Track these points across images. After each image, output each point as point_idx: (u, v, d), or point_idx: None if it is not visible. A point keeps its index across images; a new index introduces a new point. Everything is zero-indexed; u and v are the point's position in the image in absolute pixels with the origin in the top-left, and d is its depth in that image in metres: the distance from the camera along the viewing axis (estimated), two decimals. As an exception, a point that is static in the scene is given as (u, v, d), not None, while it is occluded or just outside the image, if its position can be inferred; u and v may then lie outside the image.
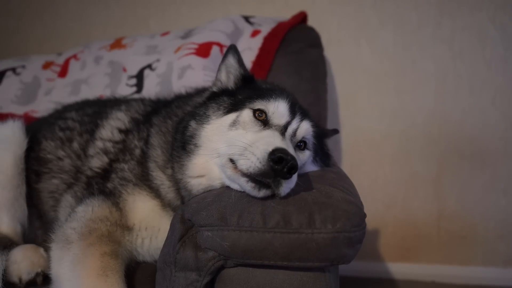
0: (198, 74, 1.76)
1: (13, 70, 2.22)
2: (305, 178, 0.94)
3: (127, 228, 1.04)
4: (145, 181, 1.11)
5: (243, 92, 1.07)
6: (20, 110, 2.09)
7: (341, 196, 0.87)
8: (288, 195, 0.85)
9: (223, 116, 1.01)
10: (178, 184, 1.04)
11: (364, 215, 0.85)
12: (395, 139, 2.33)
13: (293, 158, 0.80)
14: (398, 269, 2.39)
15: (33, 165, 1.30)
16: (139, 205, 1.07)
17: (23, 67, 2.24)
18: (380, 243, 2.41)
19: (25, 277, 1.00)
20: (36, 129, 1.39)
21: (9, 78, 2.18)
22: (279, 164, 0.80)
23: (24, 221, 1.25)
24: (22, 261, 1.02)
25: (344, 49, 2.36)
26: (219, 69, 1.16)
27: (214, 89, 1.15)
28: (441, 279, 2.32)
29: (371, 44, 2.34)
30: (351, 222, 0.80)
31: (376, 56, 2.34)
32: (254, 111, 0.99)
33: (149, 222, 1.06)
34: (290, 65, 1.95)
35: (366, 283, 2.31)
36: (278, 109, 0.99)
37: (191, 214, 0.89)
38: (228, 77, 1.14)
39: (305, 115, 1.04)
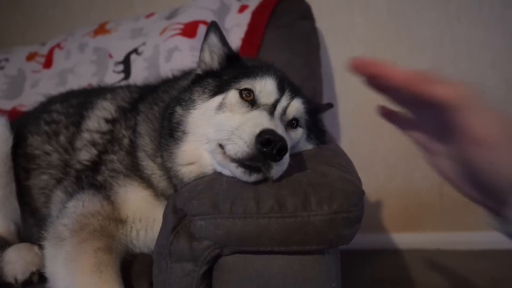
0: (185, 56, 1.70)
1: (-4, 64, 2.15)
2: (299, 158, 0.90)
3: (120, 221, 1.01)
4: (135, 171, 1.08)
5: (228, 72, 1.02)
6: (7, 105, 2.04)
7: (337, 174, 0.84)
8: (281, 178, 0.82)
9: (209, 100, 0.97)
10: (169, 173, 1.01)
11: (362, 193, 0.81)
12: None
13: (281, 138, 0.76)
14: (402, 239, 2.39)
15: (21, 162, 1.26)
16: (131, 196, 1.04)
17: (7, 60, 2.18)
18: (383, 215, 2.40)
19: (21, 277, 0.99)
20: (21, 125, 1.35)
21: (-7, 72, 2.12)
22: (267, 146, 0.76)
23: (17, 219, 1.22)
24: (17, 261, 1.01)
25: (337, 19, 2.27)
26: (201, 49, 1.10)
27: (199, 71, 1.09)
28: (445, 246, 2.32)
29: (365, 12, 2.25)
30: (349, 201, 0.76)
31: (370, 24, 2.25)
32: (241, 91, 0.94)
33: (142, 213, 1.04)
34: (281, 39, 1.88)
35: (370, 255, 2.32)
36: (265, 87, 0.94)
37: (183, 203, 0.86)
38: (212, 57, 1.08)
39: (295, 92, 0.99)
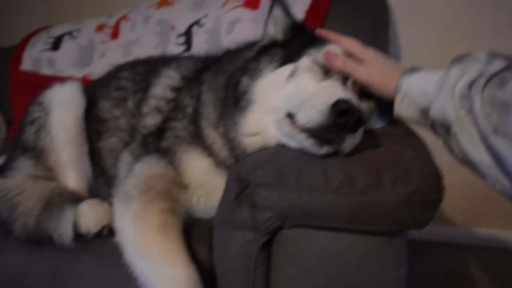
0: (247, 28, 1.67)
1: (70, 34, 2.28)
2: (370, 135, 0.85)
3: (183, 186, 1.03)
4: (198, 139, 1.09)
5: (296, 41, 0.99)
6: (79, 73, 2.16)
7: (414, 155, 0.78)
8: (352, 154, 0.78)
9: (277, 69, 0.94)
10: (231, 143, 1.01)
11: (442, 176, 0.75)
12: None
13: (358, 109, 0.72)
14: (466, 233, 2.24)
15: (92, 125, 1.33)
16: (194, 163, 1.06)
17: (79, 30, 2.29)
18: (445, 206, 2.25)
19: (93, 229, 1.05)
20: (93, 90, 1.42)
21: (67, 42, 2.25)
22: (343, 116, 0.72)
23: (89, 178, 1.30)
24: (90, 215, 1.07)
25: (410, -8, 2.10)
26: (266, 24, 1.08)
27: (264, 42, 1.07)
28: (512, 246, 2.15)
29: (442, -16, 2.05)
30: (428, 183, 0.71)
31: (448, -2, 2.06)
32: (312, 60, 0.90)
33: (204, 180, 1.05)
34: (347, 13, 1.78)
35: (426, 246, 2.20)
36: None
37: (247, 172, 0.85)
38: (276, 30, 1.06)
39: None
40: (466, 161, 0.73)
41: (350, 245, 0.77)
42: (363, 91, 0.94)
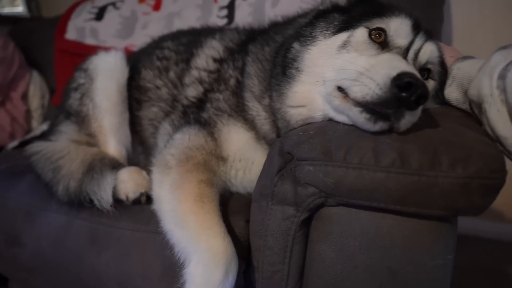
0: (294, 1, 1.61)
1: (113, 4, 2.30)
2: (427, 114, 0.79)
3: (222, 159, 1.02)
4: (240, 112, 1.07)
5: (357, 9, 0.92)
6: (121, 44, 2.19)
7: (474, 135, 0.72)
8: (406, 132, 0.73)
9: (332, 36, 0.88)
10: (275, 115, 0.98)
11: (504, 161, 0.69)
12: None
13: (423, 84, 0.67)
14: (506, 230, 2.12)
15: (134, 94, 1.35)
16: (234, 136, 1.04)
17: (122, 1, 2.31)
18: (500, 201, 2.13)
19: (131, 195, 1.07)
20: (136, 59, 1.43)
21: (110, 12, 2.27)
22: (406, 91, 0.67)
23: (128, 146, 1.33)
24: (128, 181, 1.09)
25: (468, -30, 1.94)
26: None
27: (321, 7, 1.00)
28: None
29: (506, -39, 1.88)
30: (490, 167, 0.65)
31: (510, -24, 1.89)
32: (370, 30, 0.84)
33: (243, 153, 1.04)
34: (400, -11, 1.68)
35: (463, 240, 2.11)
36: (401, 27, 0.83)
37: (291, 146, 0.82)
38: None
39: (430, 35, 0.86)
40: (495, 138, 0.75)
41: (396, 227, 0.73)
42: (426, 68, 0.89)
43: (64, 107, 1.36)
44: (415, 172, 0.67)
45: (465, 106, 0.85)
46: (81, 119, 1.29)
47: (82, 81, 1.32)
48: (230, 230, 0.94)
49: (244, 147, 1.04)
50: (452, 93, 0.86)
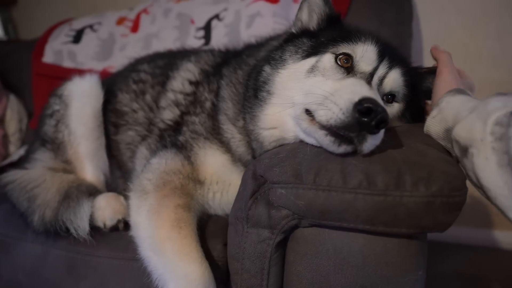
0: (267, 22, 1.65)
1: (91, 27, 2.31)
2: (391, 134, 0.82)
3: (199, 182, 1.03)
4: (215, 134, 1.09)
5: (326, 34, 0.95)
6: (99, 66, 2.19)
7: (438, 155, 0.75)
8: (372, 153, 0.75)
9: (301, 61, 0.92)
10: (249, 136, 1.00)
11: (465, 179, 0.72)
12: (494, 91, 2.00)
13: (383, 109, 0.69)
14: (486, 236, 2.17)
15: (111, 117, 1.35)
16: (210, 159, 1.05)
17: (100, 23, 2.32)
18: (480, 208, 2.18)
19: (109, 222, 1.07)
20: (112, 83, 1.43)
21: (88, 35, 2.28)
22: (367, 116, 0.69)
23: (106, 171, 1.32)
24: (106, 208, 1.09)
25: (434, -13, 2.03)
26: (300, 8, 1.04)
27: (293, 30, 1.03)
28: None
29: (468, -22, 1.98)
30: (451, 185, 0.68)
31: (474, -8, 1.98)
32: (337, 56, 0.87)
33: (220, 176, 1.05)
34: (369, 7, 1.74)
35: (444, 248, 2.15)
36: (366, 53, 0.86)
37: (263, 170, 0.84)
38: (310, 16, 1.02)
39: (395, 61, 0.90)
40: (478, 185, 0.72)
41: (367, 246, 0.75)
42: (390, 93, 0.91)
43: (39, 134, 1.35)
44: (381, 192, 0.69)
45: (445, 143, 0.82)
46: (56, 146, 1.28)
47: (57, 107, 1.32)
48: (208, 253, 0.94)
49: (221, 169, 1.05)
50: (434, 126, 0.84)
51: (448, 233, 2.14)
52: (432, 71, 0.99)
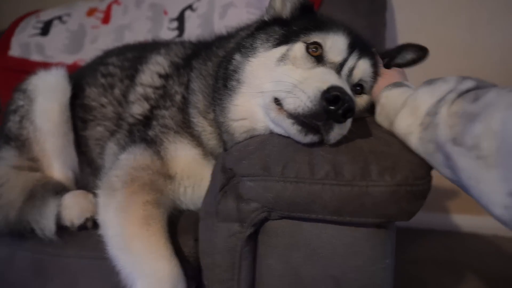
0: (241, 12, 1.63)
1: (60, 18, 2.22)
2: (360, 124, 0.82)
3: (169, 177, 1.01)
4: (186, 128, 1.06)
5: (298, 23, 0.94)
6: (69, 59, 2.11)
7: (403, 145, 0.75)
8: (338, 143, 0.75)
9: (272, 49, 0.90)
10: (220, 128, 0.98)
11: (430, 167, 0.72)
12: (465, 80, 2.06)
13: (350, 99, 0.69)
14: (456, 220, 2.24)
15: (78, 113, 1.30)
16: (181, 153, 1.03)
17: (69, 15, 2.23)
18: (439, 194, 2.24)
19: (76, 221, 1.03)
20: (80, 76, 1.38)
21: (57, 27, 2.19)
22: (334, 104, 0.69)
23: (75, 168, 1.28)
24: (73, 206, 1.05)
25: (408, -23, 2.04)
26: None
27: (265, 17, 1.01)
28: (504, 233, 2.14)
29: (441, -32, 2.00)
30: (415, 174, 0.68)
31: (446, -18, 2.00)
32: (308, 45, 0.86)
33: (191, 171, 1.03)
34: (343, -3, 1.73)
35: (419, 234, 2.20)
36: (336, 44, 0.86)
37: (232, 163, 0.83)
38: (283, 5, 1.00)
39: (365, 52, 0.89)
40: None
41: (336, 237, 0.75)
42: (359, 84, 0.91)
43: (3, 131, 1.29)
44: (348, 182, 0.69)
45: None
46: (21, 143, 1.23)
47: (21, 103, 1.26)
48: (179, 249, 0.93)
49: (192, 163, 1.03)
50: (382, 122, 0.85)
51: (422, 219, 2.20)
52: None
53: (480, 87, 0.67)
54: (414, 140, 0.71)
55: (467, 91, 0.67)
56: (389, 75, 0.93)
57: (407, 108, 0.75)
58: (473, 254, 2.01)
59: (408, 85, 0.84)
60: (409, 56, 1.03)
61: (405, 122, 0.74)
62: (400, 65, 1.04)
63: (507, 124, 0.54)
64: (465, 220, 2.25)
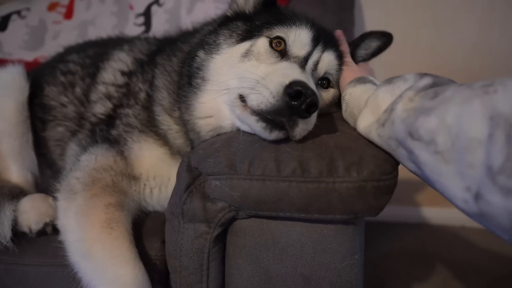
0: (208, 7, 1.60)
1: (18, 13, 2.10)
2: (327, 119, 0.81)
3: (134, 178, 0.97)
4: (151, 127, 1.02)
5: (261, 18, 0.93)
6: (29, 56, 2.01)
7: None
8: (305, 139, 0.74)
9: (236, 45, 0.89)
10: (186, 126, 0.95)
11: (396, 162, 0.73)
12: (431, 77, 2.11)
13: (313, 93, 0.68)
14: (427, 213, 2.30)
15: (37, 112, 1.23)
16: (146, 153, 0.99)
17: (28, 9, 2.12)
18: (408, 188, 2.30)
19: (34, 227, 0.98)
20: (38, 74, 1.31)
21: (15, 22, 2.07)
22: (296, 99, 0.67)
23: (35, 170, 1.21)
24: (31, 211, 0.99)
25: (375, -25, 2.07)
26: None
27: (228, 13, 0.99)
28: (471, 224, 2.22)
29: (407, -34, 2.03)
30: (381, 169, 0.68)
31: (411, -19, 2.04)
32: (271, 40, 0.85)
33: (157, 171, 0.99)
34: (312, -6, 1.73)
35: (391, 228, 2.25)
36: (299, 37, 0.84)
37: (197, 161, 0.80)
38: (246, 0, 0.98)
39: (329, 45, 0.89)
40: None
41: (305, 234, 0.74)
42: (325, 78, 0.90)
43: (-46, 133, 1.20)
44: (315, 179, 0.68)
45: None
46: (-26, 145, 1.15)
47: (-26, 102, 1.18)
48: (145, 253, 0.89)
49: (158, 163, 1.00)
50: (348, 119, 0.86)
51: (394, 212, 2.23)
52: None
53: (438, 83, 0.68)
54: (374, 138, 0.71)
55: (425, 88, 0.67)
56: (354, 68, 0.93)
57: (368, 107, 0.75)
58: (443, 246, 2.07)
59: (372, 81, 0.84)
60: (374, 44, 1.03)
61: (366, 121, 0.74)
62: (367, 57, 1.05)
63: (461, 119, 0.54)
64: (434, 213, 2.31)
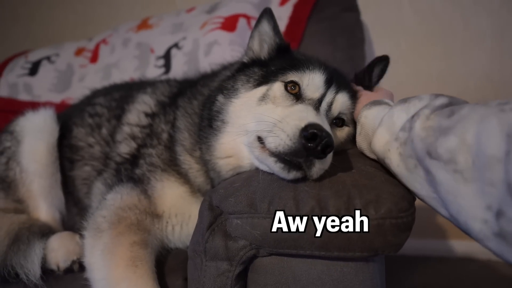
0: (225, 50, 1.68)
1: (48, 58, 2.26)
2: (342, 157, 0.84)
3: (157, 216, 1.00)
4: (173, 166, 1.07)
5: (276, 63, 0.98)
6: (57, 98, 2.13)
7: (385, 177, 0.77)
8: (322, 177, 0.76)
9: (253, 89, 0.94)
10: (206, 166, 0.99)
11: (413, 199, 0.74)
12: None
13: (328, 134, 0.71)
14: (452, 246, 2.24)
15: (66, 153, 1.30)
16: (168, 192, 1.03)
17: (57, 55, 2.27)
18: (432, 220, 2.25)
19: (62, 264, 1.01)
20: (67, 116, 1.39)
21: (45, 66, 2.22)
22: (312, 141, 0.71)
23: (62, 208, 1.26)
24: (59, 249, 1.03)
25: (384, 11, 2.15)
26: (251, 37, 1.07)
27: (245, 59, 1.06)
28: (497, 258, 2.14)
29: (414, 2, 2.11)
30: (398, 206, 0.70)
31: (420, 16, 2.11)
32: (286, 84, 0.90)
33: (178, 209, 1.02)
34: (323, 33, 1.80)
35: (412, 261, 2.19)
36: (312, 81, 0.89)
37: (219, 200, 0.83)
38: (261, 46, 1.05)
39: (342, 86, 0.93)
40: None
41: (325, 272, 0.75)
42: (339, 118, 0.94)
43: (-11, 174, 1.28)
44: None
45: (373, 156, 0.85)
46: (7, 185, 1.22)
47: (8, 144, 1.26)
48: (168, 290, 0.91)
49: (179, 201, 1.03)
50: (361, 143, 0.87)
51: (416, 246, 2.19)
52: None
53: (453, 103, 0.69)
54: (394, 156, 0.72)
55: (441, 106, 0.68)
56: (370, 94, 0.96)
57: (383, 126, 0.76)
58: (468, 280, 2.00)
59: (387, 102, 0.86)
60: (377, 68, 1.10)
61: (383, 139, 0.75)
62: (375, 80, 1.10)
63: (480, 137, 0.55)
64: (459, 246, 2.25)
